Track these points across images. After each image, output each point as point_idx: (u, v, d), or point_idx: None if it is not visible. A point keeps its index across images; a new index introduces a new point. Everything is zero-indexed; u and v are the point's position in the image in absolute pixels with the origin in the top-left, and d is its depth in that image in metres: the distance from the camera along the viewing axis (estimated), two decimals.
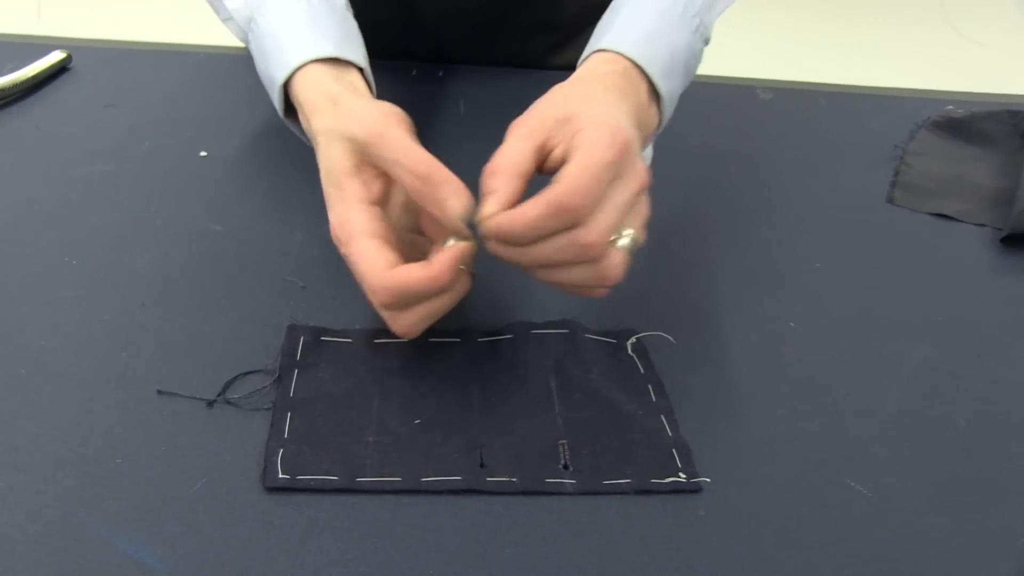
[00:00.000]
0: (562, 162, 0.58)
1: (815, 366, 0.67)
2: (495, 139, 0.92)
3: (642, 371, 0.65)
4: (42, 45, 1.00)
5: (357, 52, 0.71)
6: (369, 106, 0.63)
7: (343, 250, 0.59)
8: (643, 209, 0.60)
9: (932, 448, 0.61)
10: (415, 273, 0.56)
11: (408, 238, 0.63)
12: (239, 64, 1.01)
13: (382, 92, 0.82)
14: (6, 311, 0.65)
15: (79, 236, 0.73)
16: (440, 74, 1.06)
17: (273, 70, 0.70)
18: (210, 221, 0.77)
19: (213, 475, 0.55)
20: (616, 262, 0.58)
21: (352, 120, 0.61)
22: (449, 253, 0.56)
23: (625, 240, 0.58)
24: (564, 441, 0.58)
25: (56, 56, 0.98)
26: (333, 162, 0.61)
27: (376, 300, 0.58)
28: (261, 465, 0.55)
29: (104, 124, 0.90)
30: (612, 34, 0.71)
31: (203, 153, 0.87)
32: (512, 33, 1.08)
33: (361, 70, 0.71)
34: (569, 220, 0.55)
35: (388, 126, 0.60)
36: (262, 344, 0.64)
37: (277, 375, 0.61)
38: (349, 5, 0.76)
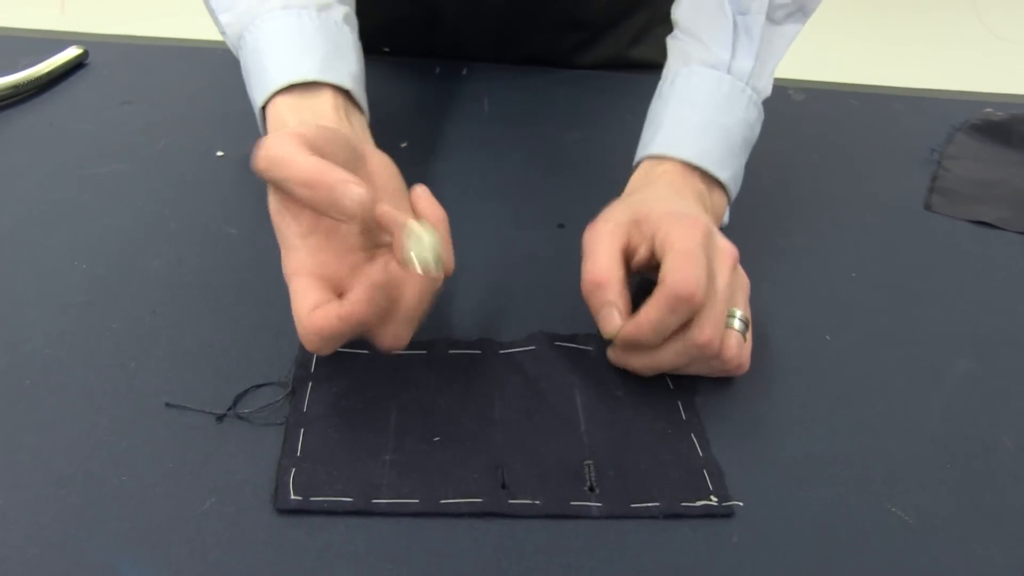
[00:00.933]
0: (647, 262, 0.61)
1: (852, 382, 0.64)
2: (520, 138, 0.91)
3: (671, 387, 0.62)
4: (59, 40, 0.99)
5: (343, 71, 0.67)
6: (269, 136, 0.57)
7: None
8: (743, 282, 0.63)
9: (976, 470, 0.58)
10: (332, 312, 0.52)
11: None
12: None
13: (405, 91, 0.80)
14: (11, 317, 0.63)
15: (89, 238, 0.72)
16: (464, 72, 1.04)
17: (255, 93, 0.68)
18: (225, 224, 0.75)
19: (222, 495, 0.52)
20: (731, 345, 0.59)
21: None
22: (362, 285, 0.52)
23: (733, 321, 0.60)
24: (590, 461, 0.55)
25: (72, 52, 0.97)
26: (269, 205, 0.58)
27: (306, 345, 0.54)
28: (273, 484, 0.53)
29: (119, 122, 0.88)
30: (662, 137, 0.72)
31: (220, 153, 0.85)
32: (538, 31, 1.06)
33: (348, 91, 0.68)
34: (688, 310, 0.57)
35: (275, 148, 0.54)
36: (276, 354, 0.62)
37: (290, 388, 0.59)
38: (352, 15, 0.74)
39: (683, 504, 0.54)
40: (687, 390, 0.62)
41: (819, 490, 0.56)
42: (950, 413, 0.62)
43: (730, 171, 0.72)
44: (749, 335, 0.62)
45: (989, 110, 0.98)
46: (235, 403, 0.58)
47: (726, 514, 0.54)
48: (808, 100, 1.05)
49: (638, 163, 0.74)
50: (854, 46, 3.38)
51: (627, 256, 0.62)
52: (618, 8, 1.07)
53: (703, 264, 0.58)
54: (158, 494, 0.52)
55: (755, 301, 0.63)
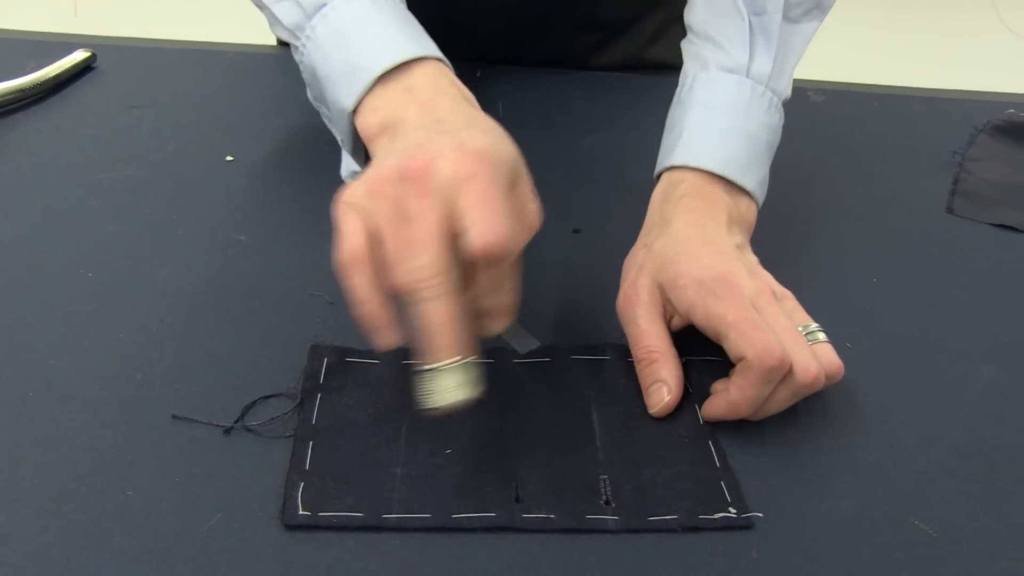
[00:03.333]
0: (680, 327, 0.62)
1: (873, 391, 0.63)
2: (535, 141, 0.89)
3: (689, 391, 0.61)
4: (66, 43, 0.98)
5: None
6: None
7: (472, 169, 0.51)
8: (789, 304, 0.62)
9: (1002, 482, 0.56)
10: None
11: None
12: (269, 64, 0.98)
13: None
14: (16, 327, 0.62)
15: (96, 246, 0.71)
16: (478, 74, 1.03)
17: (364, 59, 0.63)
18: (234, 230, 0.74)
19: (229, 510, 0.51)
20: (829, 358, 0.59)
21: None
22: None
23: (816, 334, 0.60)
24: (606, 476, 0.54)
25: (80, 55, 0.96)
26: (507, 152, 0.55)
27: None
28: (281, 499, 0.52)
29: (127, 127, 0.88)
30: (683, 146, 0.70)
31: (229, 158, 0.84)
32: (553, 32, 1.05)
33: None
34: (781, 375, 0.56)
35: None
36: (286, 364, 0.61)
37: (299, 399, 0.58)
38: None
39: (701, 516, 0.52)
40: (705, 395, 0.60)
41: (839, 502, 0.54)
42: (975, 422, 0.61)
43: (756, 178, 0.70)
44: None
45: (1011, 111, 0.97)
46: (243, 415, 0.57)
47: (745, 526, 0.52)
48: (827, 101, 1.04)
49: (659, 174, 0.72)
50: (874, 46, 3.36)
51: (667, 318, 0.63)
52: (633, 8, 1.06)
53: (765, 324, 0.57)
54: (163, 510, 0.51)
55: None
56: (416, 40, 0.64)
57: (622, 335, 0.63)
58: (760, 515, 0.53)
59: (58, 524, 0.49)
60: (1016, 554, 0.52)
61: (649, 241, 0.66)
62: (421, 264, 0.49)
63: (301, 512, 0.51)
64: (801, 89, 1.04)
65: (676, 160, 0.69)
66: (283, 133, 0.86)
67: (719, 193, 0.68)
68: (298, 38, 0.67)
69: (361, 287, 0.50)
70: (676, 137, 0.71)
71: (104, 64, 0.99)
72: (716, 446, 0.57)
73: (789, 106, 0.74)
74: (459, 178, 0.50)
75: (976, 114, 0.98)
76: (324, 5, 0.66)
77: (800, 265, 0.75)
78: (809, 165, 0.90)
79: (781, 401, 0.58)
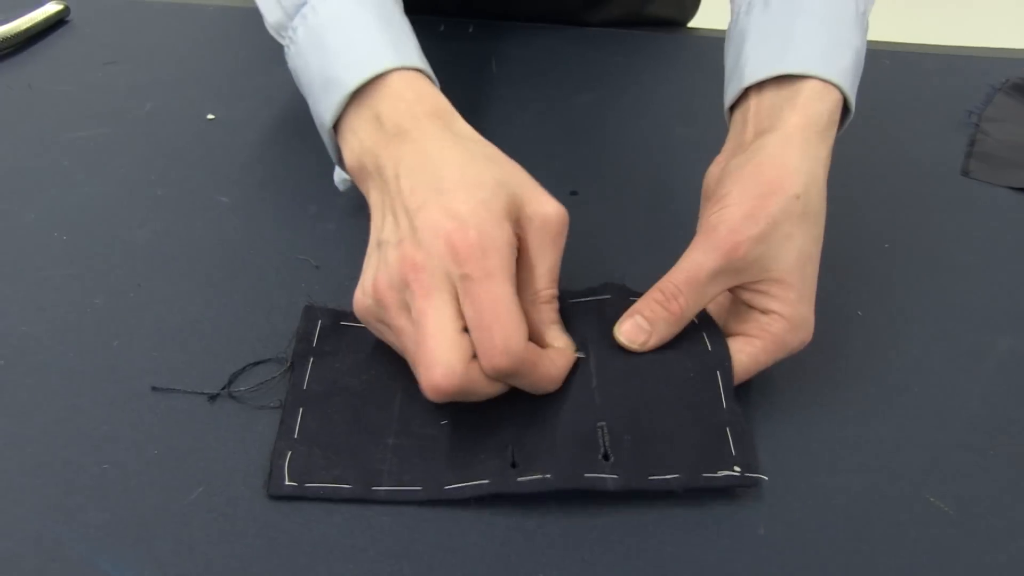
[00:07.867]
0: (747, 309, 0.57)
1: (886, 361, 0.60)
2: (530, 100, 0.87)
3: (695, 320, 0.56)
4: None
5: (430, 69, 0.62)
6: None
7: (469, 267, 0.49)
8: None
9: (1021, 457, 0.54)
10: (548, 354, 0.52)
11: None
12: (251, 19, 0.95)
13: None
14: None
15: (70, 208, 0.69)
16: (470, 30, 1.00)
17: (339, 69, 0.59)
18: (216, 192, 0.72)
19: (212, 483, 0.49)
20: None
21: (536, 189, 0.56)
22: (567, 357, 0.53)
23: None
24: (603, 423, 0.51)
25: (52, 8, 0.94)
26: (497, 178, 0.53)
27: (496, 362, 0.48)
28: (267, 470, 0.50)
29: (103, 83, 0.85)
30: (818, 53, 0.60)
31: (210, 116, 0.82)
32: None
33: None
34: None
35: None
36: (270, 331, 0.59)
37: (289, 363, 0.56)
38: None
39: (704, 475, 0.50)
40: (713, 322, 0.57)
41: (850, 478, 0.52)
42: (991, 395, 0.59)
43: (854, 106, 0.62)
44: None
45: None
46: (230, 382, 0.55)
47: (749, 485, 0.50)
48: None
49: (745, 90, 0.61)
50: (885, 1, 3.32)
51: (728, 286, 0.56)
52: None
53: (811, 317, 0.56)
54: (142, 483, 0.49)
55: None
56: (394, 46, 0.60)
57: (625, 275, 0.60)
58: (765, 478, 0.51)
59: (30, 499, 0.48)
60: None
61: None
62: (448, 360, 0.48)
63: (287, 482, 0.49)
64: None
65: (814, 68, 0.60)
66: (266, 91, 0.84)
67: (834, 124, 0.62)
68: (283, 38, 0.64)
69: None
70: (786, 36, 0.61)
71: (78, 17, 0.96)
72: (724, 376, 0.53)
73: None
74: (456, 276, 0.49)
75: (993, 72, 0.95)
76: (304, 4, 0.62)
77: None
78: None
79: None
